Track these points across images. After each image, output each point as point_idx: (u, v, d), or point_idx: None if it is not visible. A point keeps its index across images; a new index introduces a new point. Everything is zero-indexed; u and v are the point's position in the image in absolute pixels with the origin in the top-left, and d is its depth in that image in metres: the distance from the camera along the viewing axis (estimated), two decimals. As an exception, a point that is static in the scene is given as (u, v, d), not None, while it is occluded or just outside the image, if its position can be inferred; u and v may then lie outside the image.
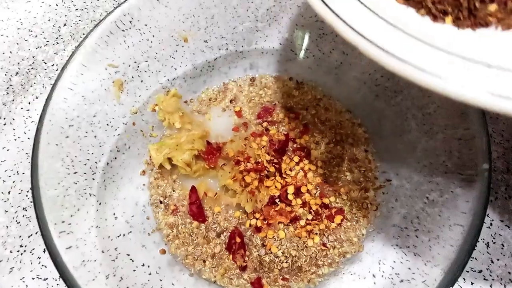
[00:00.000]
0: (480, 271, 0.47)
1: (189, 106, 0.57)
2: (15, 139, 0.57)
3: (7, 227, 0.51)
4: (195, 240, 0.47)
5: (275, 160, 0.49)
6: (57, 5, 0.69)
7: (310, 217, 0.47)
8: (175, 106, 0.52)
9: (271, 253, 0.45)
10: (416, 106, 0.50)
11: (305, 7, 0.59)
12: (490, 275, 0.47)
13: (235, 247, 0.46)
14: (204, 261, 0.46)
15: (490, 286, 0.46)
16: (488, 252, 0.48)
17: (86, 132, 0.48)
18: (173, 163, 0.49)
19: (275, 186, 0.47)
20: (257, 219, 0.46)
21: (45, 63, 0.63)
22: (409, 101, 0.51)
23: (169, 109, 0.52)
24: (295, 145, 0.51)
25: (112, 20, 0.48)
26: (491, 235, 0.49)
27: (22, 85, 0.61)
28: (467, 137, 0.43)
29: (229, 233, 0.47)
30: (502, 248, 0.48)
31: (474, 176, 0.39)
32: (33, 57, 0.63)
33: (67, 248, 0.39)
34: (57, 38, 0.65)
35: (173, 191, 0.50)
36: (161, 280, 0.46)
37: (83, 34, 0.66)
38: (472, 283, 0.46)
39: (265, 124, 0.53)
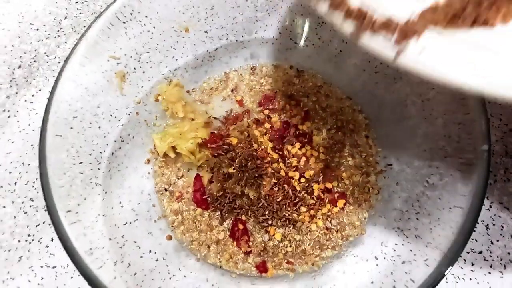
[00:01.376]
0: (480, 252, 0.48)
1: (191, 96, 0.57)
2: (20, 131, 0.57)
3: (15, 217, 0.52)
4: (198, 226, 0.48)
5: (278, 147, 0.50)
6: (57, -2, 0.69)
7: (312, 202, 0.48)
8: (178, 96, 0.53)
9: (275, 238, 0.46)
10: (416, 92, 0.51)
11: (303, -5, 0.59)
12: (490, 256, 0.48)
13: (239, 234, 0.46)
14: (209, 247, 0.47)
15: (490, 266, 0.47)
16: (487, 234, 0.49)
17: (90, 123, 0.49)
18: (177, 151, 0.50)
19: (279, 172, 0.48)
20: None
21: (47, 56, 0.63)
22: (408, 87, 0.52)
23: (172, 98, 0.52)
24: (297, 132, 0.52)
25: (113, 11, 0.48)
26: (491, 217, 0.50)
27: (25, 78, 0.61)
28: (466, 122, 0.43)
29: (232, 220, 0.47)
30: (502, 230, 0.49)
31: (473, 159, 0.40)
32: (35, 50, 0.64)
33: (76, 236, 0.40)
34: (58, 31, 0.66)
35: (178, 178, 0.51)
36: (168, 266, 0.47)
37: (84, 26, 0.66)
38: (472, 264, 0.47)
39: (266, 111, 0.53)
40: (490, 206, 0.50)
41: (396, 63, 0.27)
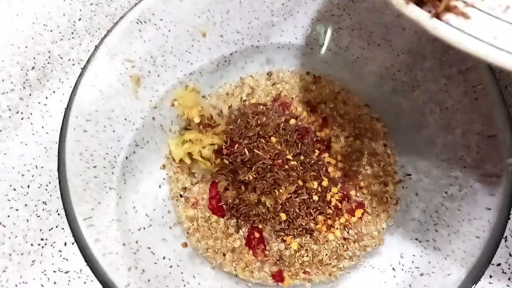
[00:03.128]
0: (498, 265, 0.47)
1: (207, 101, 0.57)
2: (33, 134, 0.57)
3: (27, 220, 0.51)
4: (214, 234, 0.47)
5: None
6: (71, -1, 0.68)
7: (330, 211, 0.47)
8: (194, 101, 0.53)
9: (291, 247, 0.46)
10: (434, 100, 0.50)
11: (320, 1, 0.59)
12: (509, 269, 0.47)
13: (255, 242, 0.46)
14: (224, 255, 0.46)
15: (509, 279, 0.47)
16: (506, 246, 0.48)
17: (105, 127, 0.49)
18: (193, 157, 0.49)
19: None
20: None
21: (61, 58, 0.63)
22: (427, 95, 0.51)
23: (188, 103, 0.52)
24: (315, 139, 0.52)
25: (133, 17, 0.48)
26: (509, 228, 0.49)
27: (38, 79, 0.61)
28: (486, 132, 0.43)
29: (248, 229, 0.47)
30: (521, 242, 0.48)
31: (497, 172, 0.39)
32: (48, 51, 0.63)
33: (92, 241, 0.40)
34: (72, 33, 0.65)
35: (193, 185, 0.50)
36: (182, 273, 0.46)
37: (98, 28, 0.66)
38: (490, 276, 0.47)
39: (284, 118, 0.53)
40: (509, 218, 0.49)
41: (436, 33, 0.28)
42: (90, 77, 0.45)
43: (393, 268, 0.45)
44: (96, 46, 0.46)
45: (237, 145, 0.49)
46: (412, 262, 0.44)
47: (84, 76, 0.44)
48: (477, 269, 0.35)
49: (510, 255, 0.48)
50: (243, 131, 0.50)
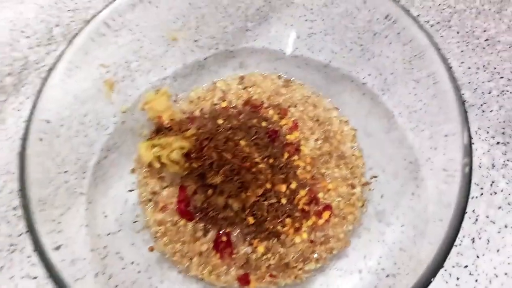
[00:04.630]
0: (465, 267, 0.47)
1: (178, 105, 0.57)
2: (7, 139, 0.57)
3: (-3, 225, 0.51)
4: (182, 238, 0.47)
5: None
6: (49, 6, 0.69)
7: (298, 214, 0.47)
8: (165, 105, 0.53)
9: (258, 250, 0.46)
10: (403, 104, 0.51)
11: (294, 6, 0.60)
12: (476, 270, 0.47)
13: (222, 245, 0.46)
14: (191, 259, 0.46)
15: (476, 281, 0.47)
16: (473, 248, 0.48)
17: (77, 131, 0.49)
18: (162, 161, 0.49)
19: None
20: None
21: (37, 64, 0.63)
22: (396, 99, 0.52)
23: (159, 107, 0.52)
24: (284, 142, 0.52)
25: (101, 19, 0.48)
26: (477, 230, 0.49)
27: (14, 85, 0.61)
28: (451, 134, 0.43)
29: (215, 232, 0.47)
30: (488, 244, 0.48)
31: (455, 172, 0.40)
32: (25, 57, 0.64)
33: (57, 247, 0.40)
34: (49, 39, 0.66)
35: (162, 189, 0.50)
36: (150, 278, 0.46)
37: (76, 34, 0.66)
38: (457, 278, 0.47)
39: (254, 121, 0.53)
40: (476, 220, 0.50)
41: None
42: (58, 80, 0.45)
43: (359, 270, 0.45)
44: (62, 51, 0.46)
45: (206, 148, 0.49)
46: (378, 263, 0.44)
47: (50, 78, 0.44)
48: (432, 267, 0.35)
49: (477, 257, 0.48)
50: (213, 134, 0.50)
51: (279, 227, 0.46)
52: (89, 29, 0.47)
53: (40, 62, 0.64)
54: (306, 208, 0.48)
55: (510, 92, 0.60)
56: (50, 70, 0.45)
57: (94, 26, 0.47)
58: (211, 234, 0.48)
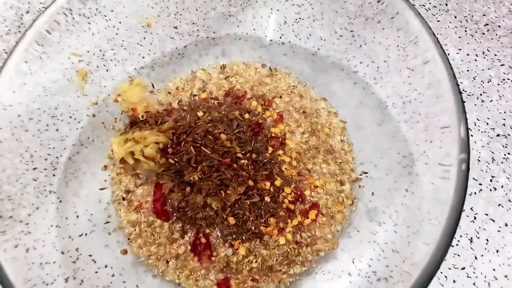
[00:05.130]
0: (463, 268, 0.45)
1: (155, 96, 0.54)
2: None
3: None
4: (157, 239, 0.44)
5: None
6: (19, -9, 0.65)
7: (282, 213, 0.44)
8: (139, 96, 0.50)
9: (239, 253, 0.43)
10: (397, 94, 0.48)
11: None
12: (474, 272, 0.44)
13: (201, 248, 0.43)
14: (168, 262, 0.43)
15: (474, 284, 0.44)
16: (471, 248, 0.45)
17: (47, 125, 0.46)
18: (135, 157, 0.46)
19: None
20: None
21: (6, 53, 0.60)
22: (389, 88, 0.49)
23: (133, 99, 0.49)
24: (268, 135, 0.49)
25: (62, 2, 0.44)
26: (475, 229, 0.46)
27: (-20, 76, 0.57)
28: (448, 126, 0.40)
29: (194, 234, 0.44)
30: (487, 244, 0.46)
31: (451, 168, 0.37)
32: (-7, 46, 0.60)
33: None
34: (19, 27, 0.62)
35: (136, 187, 0.47)
36: (124, 282, 0.44)
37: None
38: (454, 281, 0.44)
39: (236, 113, 0.50)
40: (475, 218, 0.47)
41: None
42: (14, 70, 0.43)
43: (348, 273, 0.42)
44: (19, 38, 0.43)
45: (183, 143, 0.46)
46: (369, 266, 0.42)
47: (6, 64, 0.42)
48: (427, 271, 0.33)
49: (475, 258, 0.45)
50: (192, 128, 0.47)
51: (262, 228, 0.44)
52: (51, 12, 0.43)
53: (9, 51, 0.60)
54: (292, 206, 0.45)
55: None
56: (7, 58, 0.42)
57: (55, 11, 0.44)
58: (189, 236, 0.45)
